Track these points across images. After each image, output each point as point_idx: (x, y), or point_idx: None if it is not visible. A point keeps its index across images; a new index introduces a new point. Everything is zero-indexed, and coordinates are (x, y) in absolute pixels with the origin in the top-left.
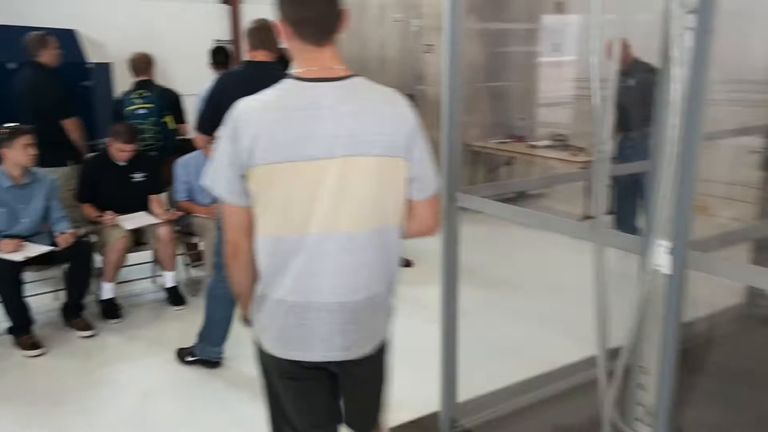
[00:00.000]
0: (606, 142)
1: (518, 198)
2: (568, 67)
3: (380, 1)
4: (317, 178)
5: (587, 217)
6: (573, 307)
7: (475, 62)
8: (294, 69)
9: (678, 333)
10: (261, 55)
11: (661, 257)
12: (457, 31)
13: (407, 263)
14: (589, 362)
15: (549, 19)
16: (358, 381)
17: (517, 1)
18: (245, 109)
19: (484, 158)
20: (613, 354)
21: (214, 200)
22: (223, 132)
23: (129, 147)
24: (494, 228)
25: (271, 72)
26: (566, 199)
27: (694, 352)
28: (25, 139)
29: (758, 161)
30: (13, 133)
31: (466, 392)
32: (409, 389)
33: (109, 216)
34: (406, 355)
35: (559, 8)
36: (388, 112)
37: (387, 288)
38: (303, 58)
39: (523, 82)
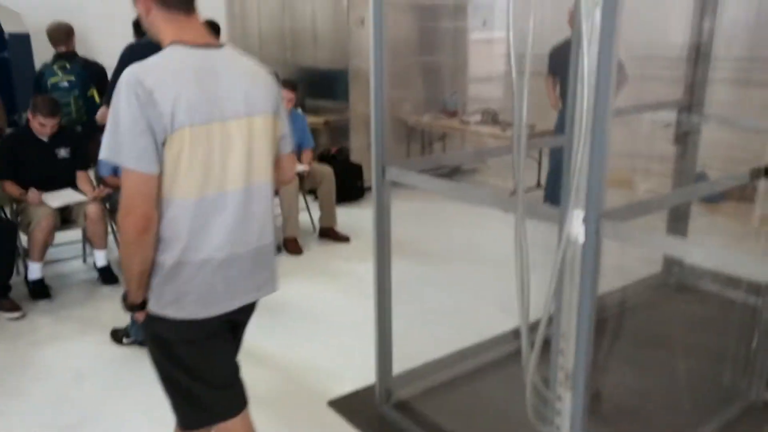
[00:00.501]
0: (522, 117)
1: (453, 173)
2: (498, 44)
3: None
4: (229, 136)
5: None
6: (504, 279)
7: (408, 37)
8: (166, 37)
9: (594, 299)
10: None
11: (577, 226)
12: (381, 5)
13: (344, 238)
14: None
15: None
16: (246, 322)
17: None
18: (154, 73)
19: (419, 134)
20: (537, 324)
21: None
22: (127, 100)
23: (51, 121)
24: (429, 203)
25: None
26: (499, 174)
27: (612, 320)
28: None
29: (672, 135)
30: None
31: (401, 364)
32: (347, 362)
33: (32, 194)
34: (344, 329)
35: None
36: (262, 76)
37: (273, 235)
38: (174, 27)
39: (454, 58)
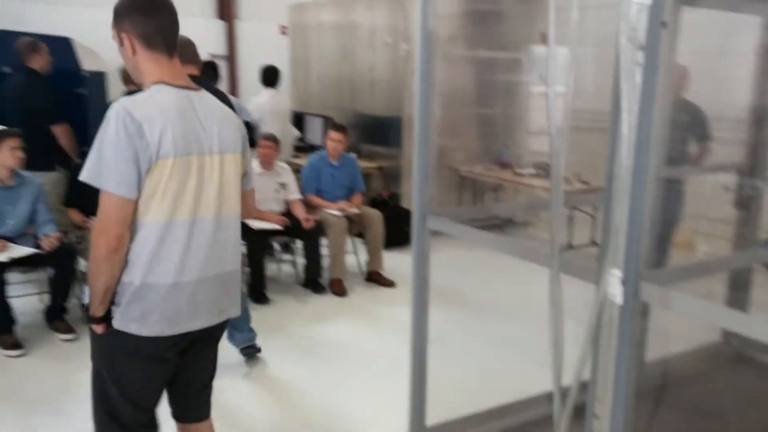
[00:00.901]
0: (560, 173)
1: (505, 225)
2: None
3: (371, 24)
4: (204, 169)
5: (570, 247)
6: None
7: (464, 89)
8: (150, 76)
9: (632, 364)
10: (188, 70)
11: (615, 287)
12: (429, 58)
13: (390, 283)
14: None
15: (537, 49)
16: (213, 344)
17: (506, 30)
18: (143, 107)
19: (470, 184)
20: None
21: None
22: (116, 130)
23: None
24: (476, 252)
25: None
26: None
27: (663, 389)
28: (12, 142)
29: (733, 199)
30: (1, 136)
31: (436, 414)
32: (381, 408)
33: (93, 222)
34: (381, 374)
35: (544, 39)
36: (232, 118)
37: (240, 263)
38: (157, 67)
39: (509, 110)
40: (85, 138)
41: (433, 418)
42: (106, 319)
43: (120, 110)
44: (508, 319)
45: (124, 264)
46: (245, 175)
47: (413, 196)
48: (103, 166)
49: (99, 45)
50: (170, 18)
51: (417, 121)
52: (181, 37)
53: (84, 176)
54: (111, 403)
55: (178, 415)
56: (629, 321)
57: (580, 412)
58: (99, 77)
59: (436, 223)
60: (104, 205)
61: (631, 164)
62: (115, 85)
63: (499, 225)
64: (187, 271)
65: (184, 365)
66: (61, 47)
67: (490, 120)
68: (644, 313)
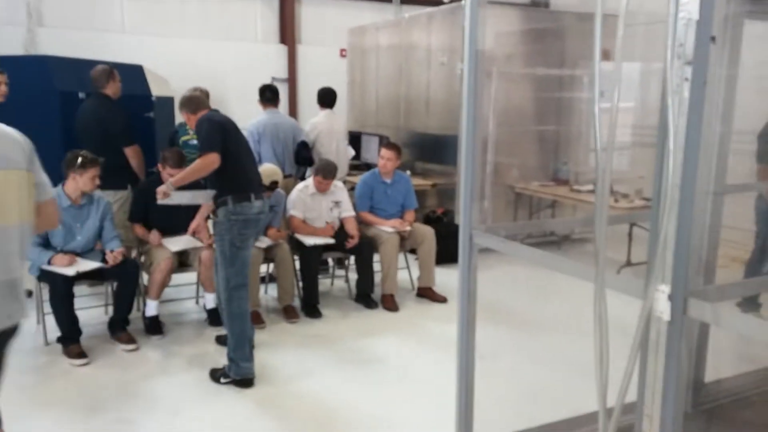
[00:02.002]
0: (606, 188)
1: (562, 242)
2: (622, 114)
3: (427, 44)
4: None
5: (629, 264)
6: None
7: (521, 106)
8: None
9: (680, 382)
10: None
11: (662, 303)
12: (477, 76)
13: (442, 299)
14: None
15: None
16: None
17: (565, 47)
18: None
19: (527, 200)
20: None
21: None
22: None
23: (177, 171)
24: (528, 269)
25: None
26: (611, 246)
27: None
28: (95, 171)
29: None
30: (87, 163)
31: None
32: (428, 425)
33: (153, 236)
34: (429, 391)
35: (606, 55)
36: (17, 138)
37: (23, 272)
38: None
39: (568, 127)
40: (152, 159)
41: None
42: None
43: None
44: (560, 336)
45: None
46: (38, 185)
47: (461, 212)
48: None
49: (168, 72)
50: None
51: (464, 138)
52: (192, 91)
53: None
54: None
55: None
56: (677, 338)
57: (628, 430)
58: (166, 102)
59: (482, 239)
60: None
61: (678, 180)
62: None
63: (557, 242)
64: None
65: None
66: (133, 74)
67: (548, 137)
68: (703, 331)
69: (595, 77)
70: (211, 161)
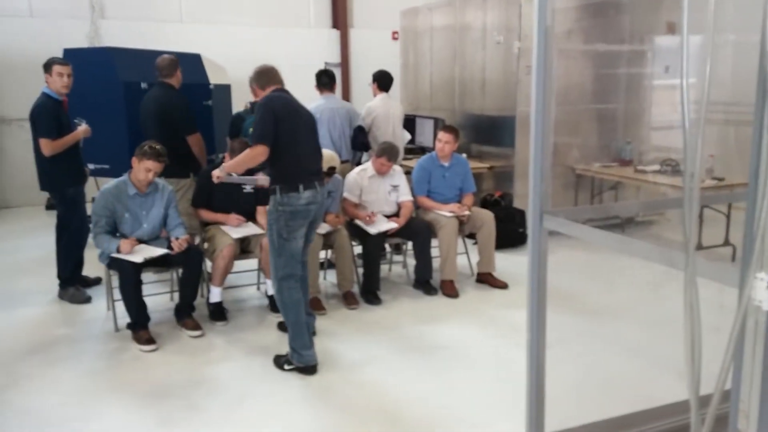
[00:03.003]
0: (696, 169)
1: (626, 224)
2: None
3: (483, 24)
4: None
5: (701, 247)
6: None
7: (581, 84)
8: None
9: None
10: (275, 87)
11: (761, 292)
12: (546, 54)
13: (502, 285)
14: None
15: (661, 40)
16: None
17: (627, 21)
18: None
19: (588, 182)
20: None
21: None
22: None
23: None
24: (596, 254)
25: (291, 95)
26: (678, 228)
27: None
28: (153, 164)
29: None
30: (147, 153)
31: (554, 424)
32: (495, 414)
33: (232, 218)
34: (494, 379)
35: (671, 29)
36: None
37: None
38: None
39: (631, 105)
40: (211, 146)
41: (551, 425)
42: None
43: None
44: (627, 322)
45: None
46: None
47: (530, 195)
48: None
49: (224, 59)
50: None
51: (533, 118)
52: (263, 66)
53: None
54: None
55: None
56: None
57: (719, 423)
58: (224, 90)
59: (553, 223)
60: None
61: None
62: (237, 97)
63: (619, 224)
64: None
65: None
66: (192, 63)
67: (609, 116)
68: None
69: (683, 47)
70: (258, 153)
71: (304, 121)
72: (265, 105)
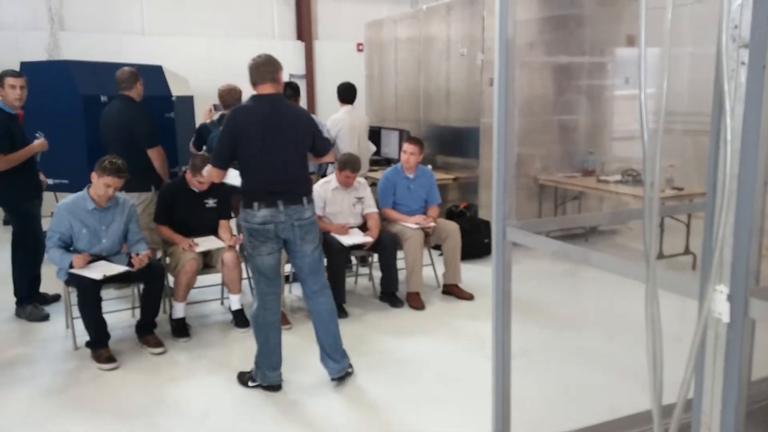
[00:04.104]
0: (656, 180)
1: (589, 234)
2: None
3: (446, 35)
4: None
5: (662, 256)
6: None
7: (544, 95)
8: None
9: (742, 386)
10: (265, 88)
11: (720, 304)
12: (508, 66)
13: (468, 296)
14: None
15: (621, 52)
16: None
17: (588, 34)
18: None
19: (551, 192)
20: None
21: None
22: None
23: (208, 179)
24: (559, 264)
25: (276, 103)
26: (640, 237)
27: None
28: (112, 180)
29: None
30: (106, 169)
31: None
32: (463, 426)
33: (181, 240)
34: (460, 391)
35: (631, 41)
36: None
37: None
38: None
39: (592, 116)
40: (173, 159)
41: None
42: None
43: None
44: (590, 333)
45: None
46: None
47: (493, 207)
48: None
49: (187, 71)
50: None
51: (496, 129)
52: (261, 56)
53: None
54: None
55: None
56: (738, 340)
57: None
58: (186, 101)
59: (517, 235)
60: None
61: (736, 171)
62: (199, 108)
63: (583, 234)
64: None
65: None
66: (153, 75)
67: (572, 126)
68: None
69: (641, 59)
70: (213, 174)
71: (281, 134)
72: (226, 122)
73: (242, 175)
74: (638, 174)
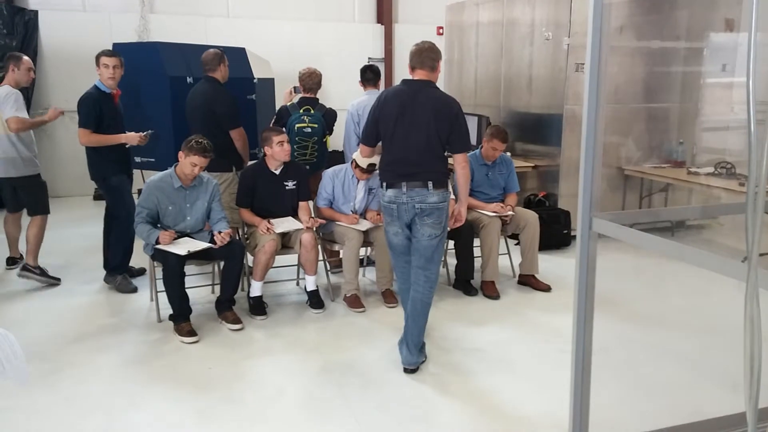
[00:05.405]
0: (761, 173)
1: (677, 228)
2: (741, 89)
3: (531, 19)
4: None
5: (761, 254)
6: (734, 353)
7: (632, 82)
8: None
9: None
10: (421, 74)
11: None
12: (600, 50)
13: (545, 287)
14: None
15: (718, 37)
16: None
17: (683, 18)
18: None
19: (637, 183)
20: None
21: (355, 210)
22: None
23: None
24: (645, 258)
25: (423, 89)
26: (732, 233)
27: None
28: (198, 159)
29: None
30: (193, 148)
31: (598, 431)
32: (534, 421)
33: (264, 225)
34: (534, 384)
35: (729, 25)
36: None
37: None
38: None
39: (684, 104)
40: (255, 140)
41: None
42: None
43: None
44: (671, 331)
45: None
46: None
47: (579, 197)
48: None
49: (269, 54)
50: None
51: (586, 118)
52: (422, 42)
53: None
54: None
55: None
56: None
57: None
58: (268, 84)
59: (604, 227)
60: None
61: None
62: (280, 91)
63: (669, 228)
64: None
65: None
66: (237, 57)
67: (661, 115)
68: None
69: (751, 44)
70: (361, 151)
71: (416, 119)
72: (375, 100)
73: (382, 154)
74: (732, 167)
